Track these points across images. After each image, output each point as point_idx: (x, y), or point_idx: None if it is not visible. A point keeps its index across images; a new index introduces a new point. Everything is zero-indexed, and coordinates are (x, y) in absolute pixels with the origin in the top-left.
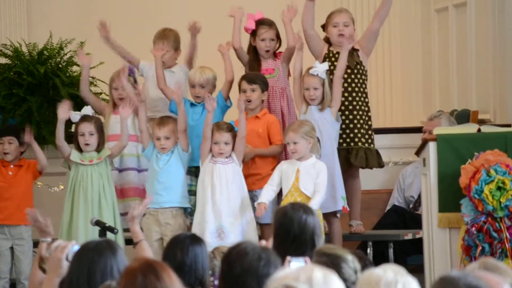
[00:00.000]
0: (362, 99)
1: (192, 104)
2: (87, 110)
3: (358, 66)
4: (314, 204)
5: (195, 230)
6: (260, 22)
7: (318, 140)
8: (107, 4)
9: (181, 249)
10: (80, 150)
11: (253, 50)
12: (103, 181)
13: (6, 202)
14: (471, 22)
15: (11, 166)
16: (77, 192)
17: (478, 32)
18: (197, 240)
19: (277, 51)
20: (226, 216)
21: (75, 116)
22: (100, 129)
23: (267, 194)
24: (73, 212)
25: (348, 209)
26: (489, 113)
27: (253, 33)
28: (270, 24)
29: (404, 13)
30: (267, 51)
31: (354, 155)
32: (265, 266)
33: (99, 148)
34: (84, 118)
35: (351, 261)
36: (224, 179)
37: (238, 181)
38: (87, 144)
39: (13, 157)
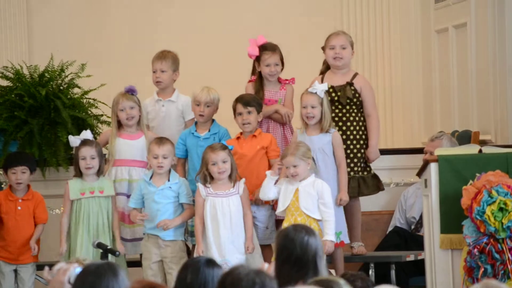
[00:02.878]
0: (358, 128)
1: (193, 134)
2: (86, 134)
3: (349, 100)
4: (330, 236)
5: None
6: (264, 48)
7: (314, 160)
8: (108, 26)
9: (192, 271)
10: (80, 174)
11: (258, 75)
12: (103, 214)
13: (13, 243)
14: (471, 43)
15: (20, 200)
16: (80, 226)
17: (479, 52)
18: (211, 264)
19: (284, 79)
20: (230, 249)
21: (75, 140)
22: (100, 153)
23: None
24: (76, 241)
25: (343, 242)
26: (490, 134)
27: (257, 59)
28: (273, 49)
29: (405, 34)
30: (272, 75)
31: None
32: None
33: (99, 172)
34: (85, 142)
35: (343, 285)
36: (227, 212)
37: (241, 212)
38: (88, 168)
39: (24, 186)
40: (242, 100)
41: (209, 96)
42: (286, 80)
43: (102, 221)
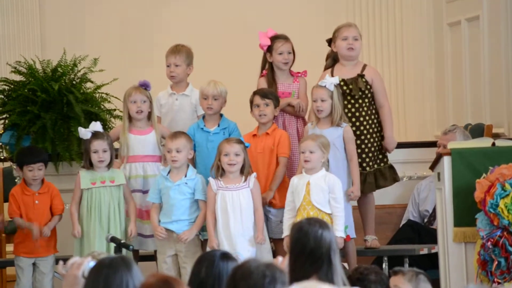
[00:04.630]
0: (370, 121)
1: (202, 129)
2: (96, 126)
3: (361, 92)
4: (339, 232)
5: None
6: (275, 37)
7: (327, 160)
8: (120, 21)
9: (207, 265)
10: (90, 166)
11: (270, 68)
12: (114, 204)
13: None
14: (483, 35)
15: (36, 194)
16: (92, 215)
17: (491, 45)
18: (225, 258)
19: (295, 72)
20: (241, 243)
21: (86, 133)
22: (111, 145)
23: (290, 223)
24: (89, 231)
25: (349, 237)
26: (503, 127)
27: (269, 49)
28: (285, 38)
29: (417, 27)
30: (286, 63)
31: (362, 180)
32: (270, 283)
33: (109, 164)
34: (96, 135)
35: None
36: (237, 206)
37: (252, 205)
38: (101, 161)
39: (39, 182)
40: (260, 92)
41: (216, 89)
42: (298, 72)
43: (114, 210)
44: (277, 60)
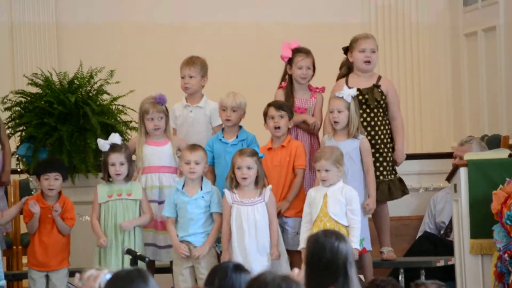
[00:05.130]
0: (385, 131)
1: (220, 141)
2: (115, 139)
3: (377, 103)
4: (355, 244)
5: None
6: (297, 50)
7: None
8: (136, 32)
9: (220, 276)
10: (108, 179)
11: (289, 80)
12: (130, 218)
13: (46, 249)
14: (500, 46)
15: (51, 208)
16: (109, 226)
17: (508, 56)
18: (239, 270)
19: (314, 87)
20: (255, 258)
21: (104, 145)
22: (129, 158)
23: (306, 235)
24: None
25: (365, 249)
26: None
27: (289, 61)
28: (307, 52)
29: (433, 38)
30: (304, 78)
31: (376, 189)
32: None
33: (128, 177)
34: (114, 148)
35: None
36: (252, 222)
37: (267, 219)
38: (118, 174)
39: (56, 193)
40: (275, 104)
41: (235, 100)
42: (317, 88)
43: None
44: (295, 74)
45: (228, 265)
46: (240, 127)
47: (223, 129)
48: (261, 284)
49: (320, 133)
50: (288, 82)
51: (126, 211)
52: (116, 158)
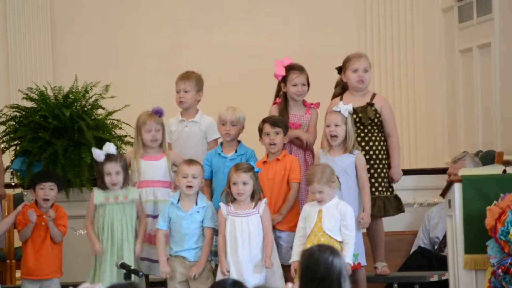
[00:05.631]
0: (380, 148)
1: (219, 155)
2: (110, 149)
3: (371, 121)
4: (348, 259)
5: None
6: (291, 68)
7: (337, 179)
8: (131, 47)
9: None
10: (103, 187)
11: (283, 97)
12: (127, 221)
13: (38, 258)
14: (495, 62)
15: (44, 216)
16: (105, 234)
17: (503, 72)
18: (237, 286)
19: (309, 103)
20: (248, 270)
21: (100, 155)
22: (125, 167)
23: (299, 249)
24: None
25: (360, 264)
26: None
27: (283, 79)
28: (301, 69)
29: (428, 54)
30: (299, 94)
31: (372, 205)
32: None
33: (123, 185)
34: (110, 158)
35: None
36: (246, 232)
37: (261, 231)
38: (114, 184)
39: (51, 204)
40: (270, 120)
41: (234, 115)
42: (312, 104)
43: (126, 228)
44: (291, 91)
45: (227, 281)
46: (239, 141)
47: (221, 144)
48: None
49: (316, 147)
50: (283, 99)
51: (124, 215)
52: (112, 168)
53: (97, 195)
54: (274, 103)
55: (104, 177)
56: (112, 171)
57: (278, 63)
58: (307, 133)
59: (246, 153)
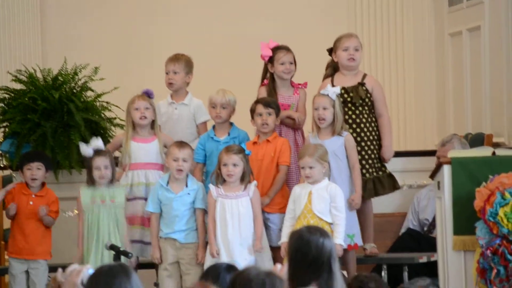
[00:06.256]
0: (371, 129)
1: (213, 139)
2: (98, 144)
3: (362, 100)
4: (339, 240)
5: (207, 263)
6: (277, 48)
7: (329, 164)
8: (122, 30)
9: (213, 276)
10: (92, 182)
11: (271, 78)
12: (113, 224)
13: (26, 237)
14: (485, 46)
15: (33, 195)
16: (90, 234)
17: (492, 56)
18: (231, 270)
19: (296, 83)
20: (238, 252)
21: (88, 150)
22: (113, 162)
23: (288, 230)
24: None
25: (357, 245)
26: (504, 137)
27: (270, 60)
28: (287, 48)
29: (418, 37)
30: (287, 73)
31: (362, 187)
32: None
33: (112, 180)
34: (99, 153)
35: None
36: (236, 214)
37: (251, 214)
38: (102, 178)
39: (39, 183)
40: (263, 101)
41: (224, 97)
42: (299, 84)
43: (114, 229)
44: (279, 70)
45: (221, 265)
46: (231, 124)
47: (214, 127)
48: (245, 280)
49: (306, 128)
50: (270, 80)
51: (110, 218)
52: (101, 162)
53: (84, 195)
54: (262, 85)
55: (93, 171)
56: (101, 164)
57: (264, 45)
58: (297, 112)
59: (239, 135)
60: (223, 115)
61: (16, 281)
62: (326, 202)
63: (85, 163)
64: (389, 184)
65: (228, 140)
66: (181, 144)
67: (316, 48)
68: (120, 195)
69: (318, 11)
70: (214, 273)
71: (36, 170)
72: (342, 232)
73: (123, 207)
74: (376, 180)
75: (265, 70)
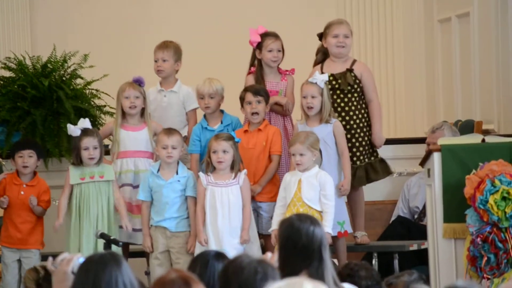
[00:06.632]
0: (360, 116)
1: (206, 129)
2: (85, 123)
3: (350, 87)
4: (328, 228)
5: (197, 252)
6: (266, 34)
7: (320, 152)
8: (111, 17)
9: (201, 265)
10: (79, 163)
11: (259, 65)
12: (103, 200)
13: (18, 227)
14: (474, 32)
15: (24, 185)
16: (81, 211)
17: (482, 42)
18: (220, 258)
19: (283, 70)
20: (228, 240)
21: (75, 130)
22: (101, 142)
23: (279, 218)
24: (78, 227)
25: (347, 232)
26: (493, 124)
27: (258, 46)
28: (275, 35)
29: (407, 24)
30: (275, 61)
31: (353, 174)
32: (262, 280)
33: (99, 161)
34: (86, 133)
35: None
36: (226, 202)
37: (241, 202)
38: (91, 158)
39: (31, 171)
40: (252, 89)
41: (211, 87)
42: (286, 71)
43: (102, 206)
44: (266, 57)
45: (209, 253)
46: (222, 112)
47: (205, 116)
48: (237, 268)
49: (294, 116)
50: (258, 67)
51: (99, 193)
52: (90, 142)
53: (73, 174)
54: (249, 73)
55: (81, 152)
56: (90, 145)
57: (253, 31)
58: (285, 98)
59: (232, 122)
60: (212, 105)
61: (9, 270)
62: (316, 190)
63: (71, 143)
64: (382, 169)
65: (222, 128)
66: (170, 131)
67: (305, 34)
68: (109, 171)
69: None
70: (203, 260)
71: (27, 158)
72: (331, 220)
73: (114, 183)
74: (368, 166)
75: (253, 56)
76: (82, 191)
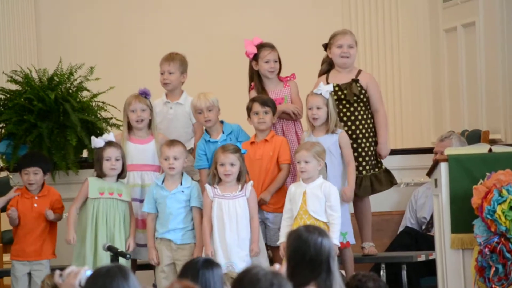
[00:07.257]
0: (366, 126)
1: (210, 141)
2: (110, 137)
3: (356, 97)
4: (334, 240)
5: None
6: (262, 45)
7: (325, 165)
8: (117, 29)
9: (192, 273)
10: (101, 175)
11: (257, 77)
12: (120, 218)
13: (32, 239)
14: (480, 41)
15: (36, 197)
16: (97, 225)
17: (487, 51)
18: (210, 265)
19: (284, 77)
20: (236, 252)
21: (99, 141)
22: (124, 156)
23: (287, 230)
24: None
25: (349, 243)
26: (500, 133)
27: (255, 57)
28: (271, 46)
29: (413, 33)
30: (271, 71)
31: (358, 184)
32: None
33: (121, 174)
34: (110, 144)
35: None
36: (233, 215)
37: (248, 214)
38: (113, 169)
39: (37, 187)
40: (260, 100)
41: (207, 100)
42: (287, 77)
43: (119, 222)
44: (263, 68)
45: (198, 260)
46: (222, 122)
47: (206, 130)
48: (253, 278)
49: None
50: (256, 80)
51: (117, 210)
52: (112, 153)
53: (92, 187)
54: (251, 89)
55: (103, 162)
56: (113, 155)
57: (249, 42)
58: (291, 104)
59: (233, 130)
60: (211, 117)
61: (19, 283)
62: (321, 202)
63: (94, 155)
64: (386, 179)
65: (225, 137)
66: (171, 142)
67: (310, 44)
68: (127, 191)
69: (311, 5)
70: (193, 269)
71: (33, 175)
72: (338, 231)
73: (130, 204)
74: (373, 177)
75: (251, 68)
76: (101, 206)
